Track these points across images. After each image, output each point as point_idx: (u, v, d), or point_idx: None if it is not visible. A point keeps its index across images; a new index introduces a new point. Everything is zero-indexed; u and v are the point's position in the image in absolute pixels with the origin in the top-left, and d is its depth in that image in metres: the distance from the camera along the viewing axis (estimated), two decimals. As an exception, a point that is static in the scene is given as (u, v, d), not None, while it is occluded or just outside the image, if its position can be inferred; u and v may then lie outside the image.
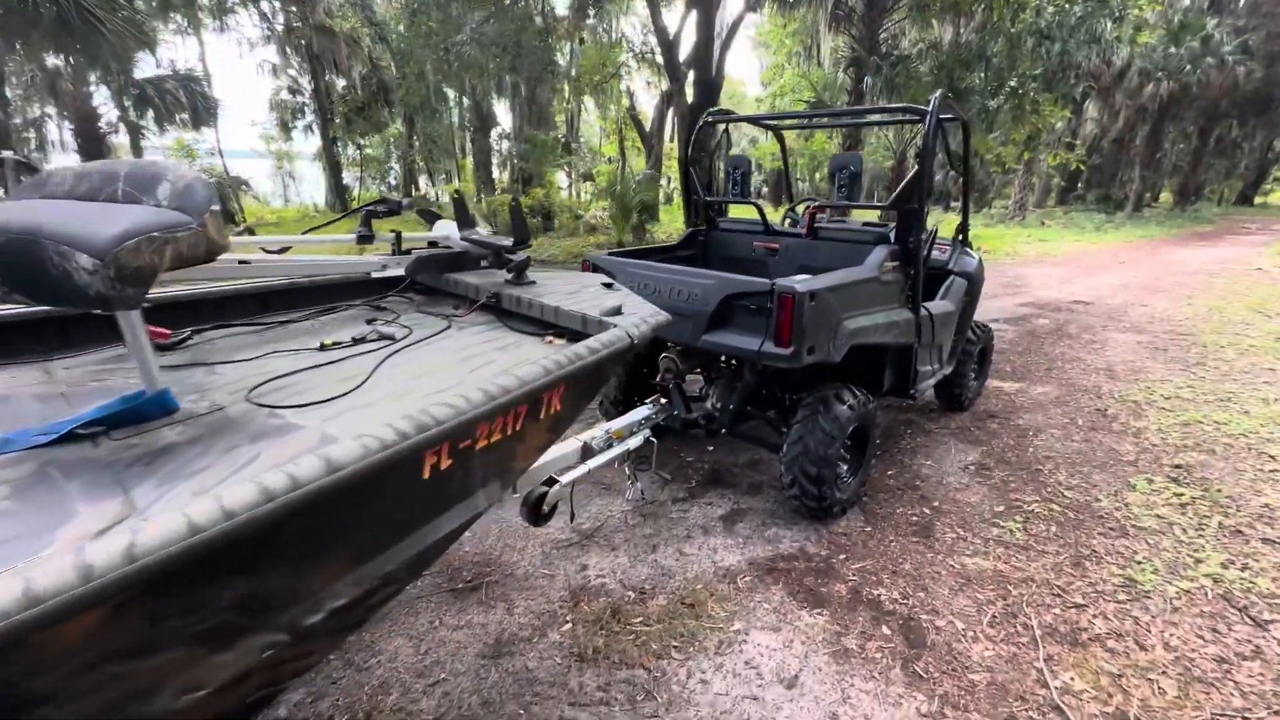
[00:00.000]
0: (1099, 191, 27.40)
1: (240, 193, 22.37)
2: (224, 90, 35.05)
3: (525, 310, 2.11)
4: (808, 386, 3.29)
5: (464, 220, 2.34)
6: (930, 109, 3.17)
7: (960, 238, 4.30)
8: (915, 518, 3.21)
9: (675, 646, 2.32)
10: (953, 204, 25.30)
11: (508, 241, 2.33)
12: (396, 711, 2.03)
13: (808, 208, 3.70)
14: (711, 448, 3.97)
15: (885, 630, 2.42)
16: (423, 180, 30.94)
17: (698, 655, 2.28)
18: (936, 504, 3.35)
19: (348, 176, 29.64)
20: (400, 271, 2.34)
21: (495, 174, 25.54)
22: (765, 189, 29.74)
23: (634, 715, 2.03)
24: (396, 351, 1.79)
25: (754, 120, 4.59)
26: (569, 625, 2.43)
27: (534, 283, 2.37)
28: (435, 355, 1.80)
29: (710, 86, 11.50)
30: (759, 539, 3.02)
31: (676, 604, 2.55)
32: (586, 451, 2.80)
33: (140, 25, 13.99)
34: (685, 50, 12.20)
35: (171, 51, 21.07)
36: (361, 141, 28.88)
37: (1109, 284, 10.21)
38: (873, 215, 8.78)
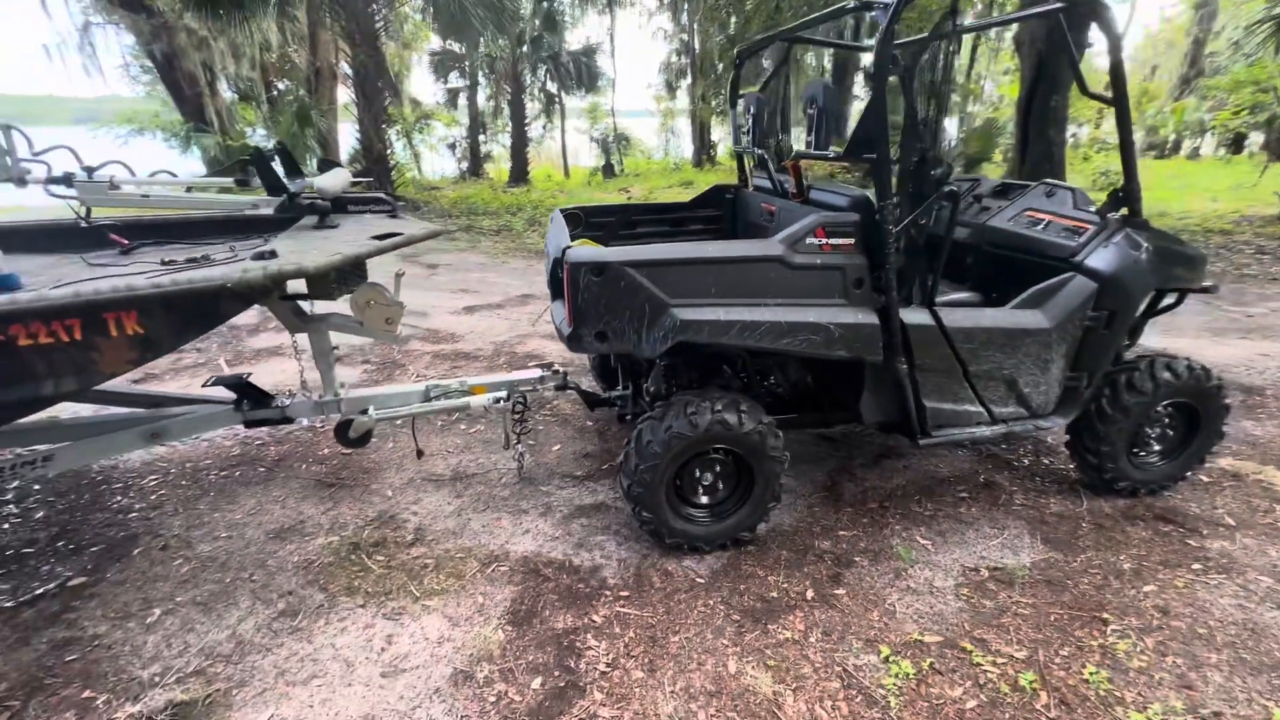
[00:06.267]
0: None
1: (620, 147, 26.44)
2: (625, 57, 41.85)
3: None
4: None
5: (291, 169, 2.67)
6: None
7: (1117, 211, 2.61)
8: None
9: (367, 593, 2.37)
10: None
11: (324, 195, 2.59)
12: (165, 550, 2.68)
13: (788, 160, 2.74)
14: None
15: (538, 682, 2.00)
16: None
17: (369, 607, 2.30)
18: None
19: (718, 133, 31.81)
20: (269, 211, 2.83)
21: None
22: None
23: (281, 632, 2.23)
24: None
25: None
26: (335, 540, 2.69)
27: (335, 226, 2.57)
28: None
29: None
30: (572, 538, 2.69)
31: (421, 564, 2.55)
32: (428, 395, 2.93)
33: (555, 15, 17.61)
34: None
35: (588, 30, 25.75)
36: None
37: None
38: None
